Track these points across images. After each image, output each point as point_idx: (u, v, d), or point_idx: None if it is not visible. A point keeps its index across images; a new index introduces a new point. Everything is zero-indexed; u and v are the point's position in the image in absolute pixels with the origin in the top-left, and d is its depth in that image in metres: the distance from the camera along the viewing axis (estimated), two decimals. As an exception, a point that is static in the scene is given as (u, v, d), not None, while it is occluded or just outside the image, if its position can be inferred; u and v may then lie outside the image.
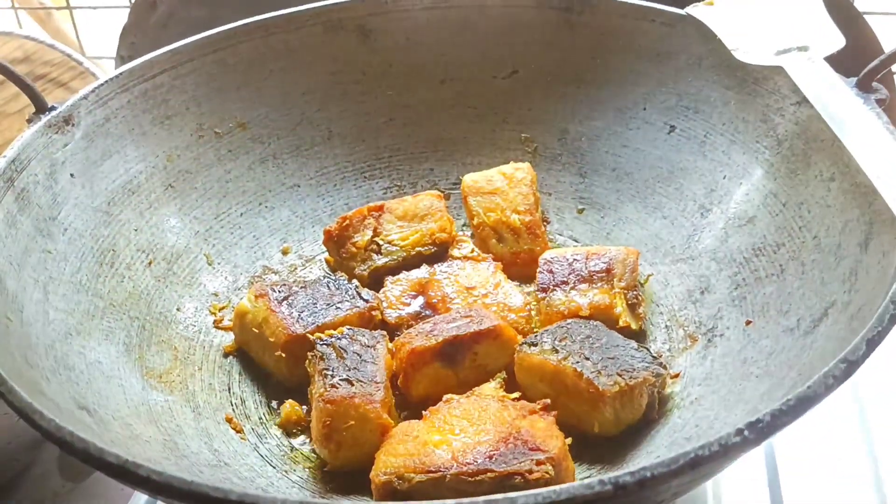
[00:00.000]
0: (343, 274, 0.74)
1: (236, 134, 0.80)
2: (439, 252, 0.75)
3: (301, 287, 0.70)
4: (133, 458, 0.38)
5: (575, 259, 0.70)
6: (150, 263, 0.71)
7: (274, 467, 0.60)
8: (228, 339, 0.71)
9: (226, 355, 0.70)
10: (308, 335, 0.65)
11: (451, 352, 0.63)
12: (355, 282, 0.72)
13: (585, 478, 0.55)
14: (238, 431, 0.63)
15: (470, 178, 0.78)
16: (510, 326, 0.65)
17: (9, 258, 0.58)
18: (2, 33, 1.11)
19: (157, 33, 1.03)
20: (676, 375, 0.63)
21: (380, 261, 0.74)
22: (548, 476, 0.52)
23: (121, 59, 1.04)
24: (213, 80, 0.79)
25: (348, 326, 0.66)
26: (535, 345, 0.62)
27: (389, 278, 0.73)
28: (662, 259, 0.73)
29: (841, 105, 0.58)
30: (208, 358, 0.69)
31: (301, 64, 0.83)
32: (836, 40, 0.65)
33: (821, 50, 0.64)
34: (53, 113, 0.67)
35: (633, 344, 0.63)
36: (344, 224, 0.75)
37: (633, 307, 0.68)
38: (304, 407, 0.64)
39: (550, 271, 0.70)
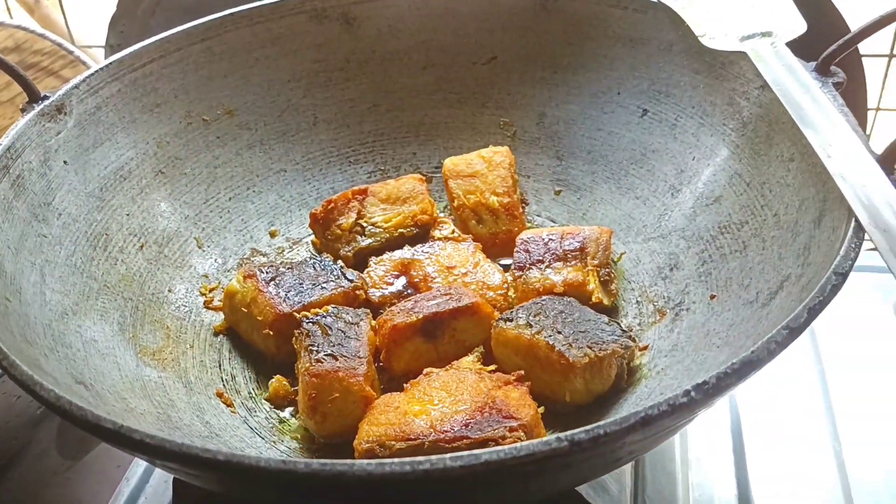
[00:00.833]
0: (329, 255, 0.77)
1: (224, 121, 0.83)
2: (421, 233, 0.78)
3: (288, 268, 0.73)
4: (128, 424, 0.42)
5: (550, 239, 0.73)
6: (141, 247, 0.73)
7: (263, 438, 0.63)
8: (218, 318, 0.74)
9: (216, 334, 0.72)
10: (295, 314, 0.68)
11: (431, 328, 0.66)
12: (340, 262, 0.74)
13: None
14: (228, 405, 0.66)
15: (450, 162, 0.81)
16: (487, 303, 0.68)
17: (6, 242, 0.60)
18: (-8, 23, 1.13)
19: (146, 21, 1.05)
20: (645, 348, 0.66)
21: (364, 242, 0.77)
22: (520, 441, 0.55)
23: (110, 47, 1.06)
24: (200, 69, 0.81)
25: (333, 305, 0.69)
26: (511, 320, 0.65)
27: (373, 259, 0.76)
28: (635, 238, 0.76)
29: (798, 89, 0.61)
30: (199, 337, 0.72)
31: (286, 52, 0.85)
32: (799, 26, 0.68)
33: (783, 35, 0.67)
34: (46, 102, 0.70)
35: (605, 318, 0.66)
36: (329, 207, 0.78)
37: (605, 284, 0.71)
38: (292, 382, 0.67)
39: (527, 250, 0.73)
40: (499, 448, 0.37)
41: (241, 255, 0.80)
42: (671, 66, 0.77)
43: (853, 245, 0.48)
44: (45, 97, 0.70)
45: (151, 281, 0.72)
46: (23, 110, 0.69)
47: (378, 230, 0.78)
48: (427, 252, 0.76)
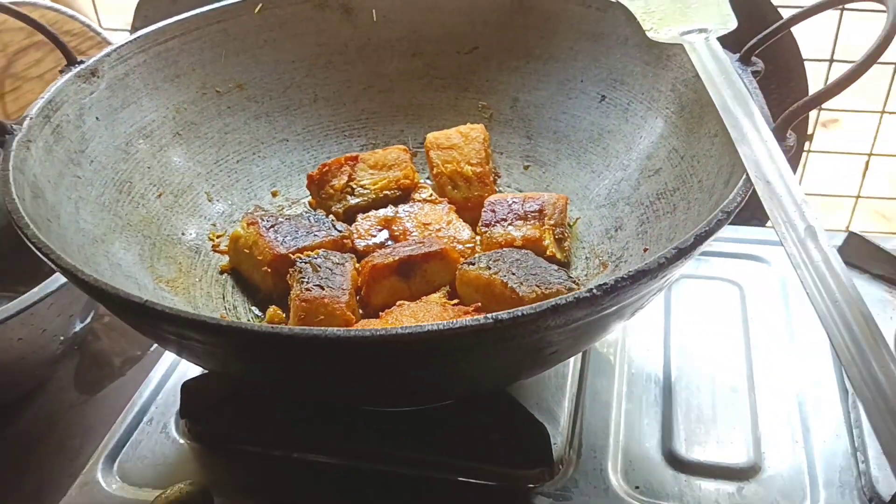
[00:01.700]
0: (322, 211, 0.88)
1: (235, 93, 0.94)
2: (403, 196, 0.89)
3: (286, 218, 0.84)
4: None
5: (514, 202, 0.84)
6: (159, 195, 0.85)
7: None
8: (224, 260, 0.85)
9: (221, 272, 0.83)
10: (290, 255, 0.79)
11: (406, 269, 0.77)
12: (332, 217, 0.86)
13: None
14: (229, 328, 0.77)
15: (432, 136, 0.92)
16: (455, 251, 0.79)
17: (47, 177, 0.72)
18: (27, 3, 1.24)
19: (168, 8, 1.16)
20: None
21: (353, 201, 0.88)
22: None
23: (135, 31, 1.18)
24: (216, 47, 0.93)
25: (323, 249, 0.80)
26: (473, 264, 0.76)
27: (360, 215, 0.87)
28: (589, 205, 0.87)
29: (720, 75, 0.72)
30: (207, 274, 0.83)
31: (292, 36, 0.96)
32: (730, 23, 0.79)
33: (716, 31, 0.78)
34: (82, 66, 0.81)
35: (555, 267, 0.77)
36: (324, 170, 0.89)
37: (559, 241, 0.82)
38: (285, 312, 0.78)
39: (493, 210, 0.84)
40: (440, 323, 0.48)
41: (245, 211, 0.90)
42: (626, 58, 0.88)
43: (741, 192, 0.59)
44: (81, 62, 0.81)
45: (167, 224, 0.83)
46: (61, 72, 0.80)
47: (366, 191, 0.89)
48: (407, 211, 0.87)
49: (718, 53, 0.75)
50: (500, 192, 0.92)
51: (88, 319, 1.08)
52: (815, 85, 1.08)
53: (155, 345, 0.92)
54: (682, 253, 0.54)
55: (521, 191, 0.93)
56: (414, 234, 0.84)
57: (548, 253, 0.80)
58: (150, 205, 0.83)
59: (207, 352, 0.55)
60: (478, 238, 0.84)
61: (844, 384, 0.77)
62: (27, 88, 1.32)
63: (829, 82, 0.64)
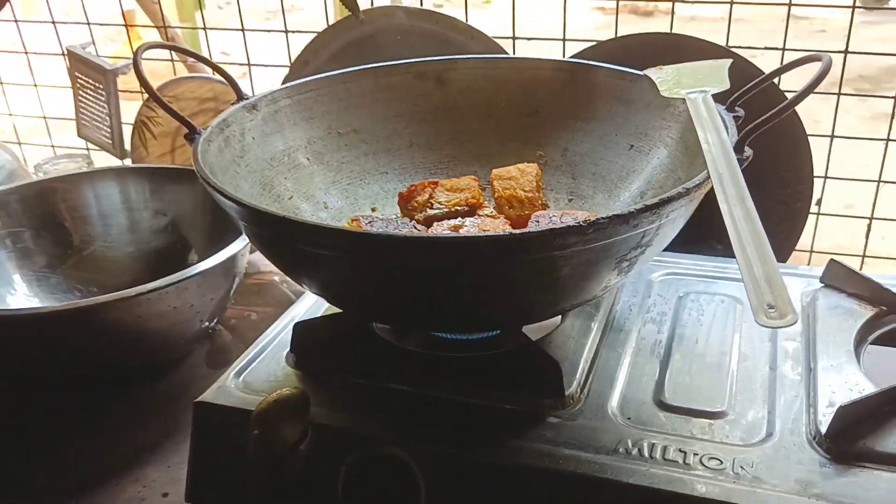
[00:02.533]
0: (407, 219, 1.15)
1: (351, 135, 1.24)
2: (470, 211, 1.15)
3: (381, 219, 1.11)
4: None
5: (553, 216, 1.09)
6: (290, 198, 1.14)
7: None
8: (331, 249, 1.12)
9: (329, 257, 1.11)
10: (380, 241, 1.06)
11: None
12: (414, 222, 1.13)
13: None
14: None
15: (496, 171, 1.18)
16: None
17: (218, 166, 1.01)
18: (202, 77, 1.63)
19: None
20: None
21: (431, 212, 1.15)
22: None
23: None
24: (340, 101, 1.23)
25: (403, 231, 1.07)
26: (516, 249, 1.00)
27: (436, 223, 1.13)
28: (614, 225, 1.11)
29: (707, 116, 0.96)
30: (318, 256, 1.10)
31: (396, 96, 1.27)
32: (724, 84, 1.04)
33: (712, 90, 1.04)
34: (247, 101, 1.13)
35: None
36: (412, 189, 1.17)
37: (587, 245, 1.06)
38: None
39: (537, 222, 1.08)
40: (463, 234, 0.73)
41: (350, 218, 1.19)
42: (649, 116, 1.14)
43: (700, 180, 0.83)
44: (246, 97, 1.14)
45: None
46: (232, 104, 1.13)
47: (442, 205, 1.15)
48: (472, 221, 1.13)
49: (710, 103, 1.00)
50: (547, 216, 1.17)
51: (226, 308, 1.37)
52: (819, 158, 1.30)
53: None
54: (647, 208, 0.77)
55: (564, 217, 1.18)
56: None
57: (576, 252, 1.04)
58: (283, 203, 1.12)
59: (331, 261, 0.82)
60: (525, 244, 1.09)
61: (809, 364, 0.96)
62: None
63: (775, 109, 0.87)
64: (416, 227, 1.10)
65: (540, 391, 0.92)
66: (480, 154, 1.27)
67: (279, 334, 1.08)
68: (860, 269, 1.33)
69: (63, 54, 1.65)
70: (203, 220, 1.48)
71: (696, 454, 0.83)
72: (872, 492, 0.78)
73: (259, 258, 1.59)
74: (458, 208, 1.16)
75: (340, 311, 1.02)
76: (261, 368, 1.01)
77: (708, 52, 1.31)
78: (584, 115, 1.22)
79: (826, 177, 1.34)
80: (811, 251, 1.44)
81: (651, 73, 1.15)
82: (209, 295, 1.27)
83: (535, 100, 1.25)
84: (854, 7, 1.31)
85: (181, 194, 1.50)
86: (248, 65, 1.66)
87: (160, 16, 1.96)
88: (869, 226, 1.29)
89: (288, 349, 1.03)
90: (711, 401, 0.91)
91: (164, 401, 1.27)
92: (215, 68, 1.15)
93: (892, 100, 1.31)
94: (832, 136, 1.27)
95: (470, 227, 1.11)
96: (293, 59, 1.50)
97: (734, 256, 0.74)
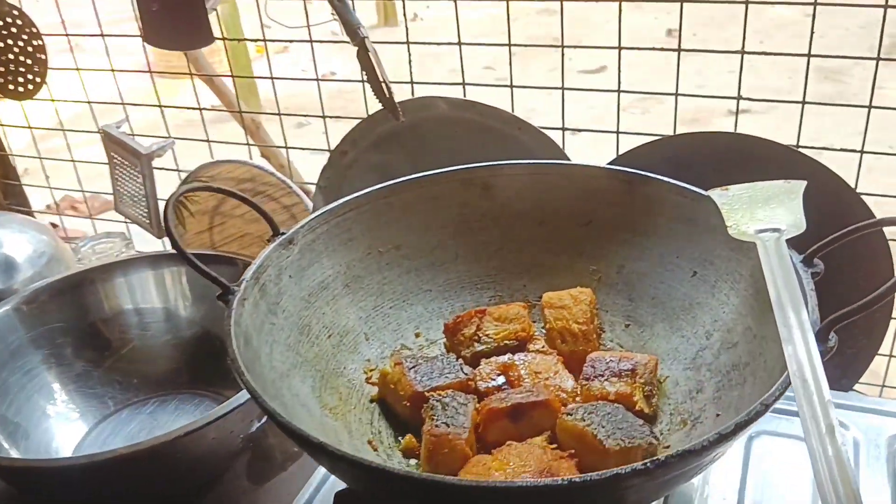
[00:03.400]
0: (453, 354, 1.09)
1: (392, 253, 1.17)
2: (520, 345, 1.08)
3: (425, 360, 1.05)
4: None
5: (611, 360, 1.01)
6: (329, 336, 1.08)
7: (395, 474, 0.94)
8: (374, 391, 1.06)
9: (371, 401, 1.05)
10: (426, 393, 0.99)
11: (516, 414, 0.95)
12: (461, 360, 1.06)
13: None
14: (375, 450, 0.97)
15: (547, 296, 1.11)
16: (558, 400, 0.97)
17: (253, 326, 0.96)
18: (238, 161, 1.57)
19: (345, 171, 1.44)
20: (667, 446, 0.92)
21: (479, 347, 1.08)
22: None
23: (319, 187, 1.46)
24: (381, 216, 1.16)
25: (452, 390, 1.00)
26: (571, 414, 0.93)
27: (484, 360, 1.06)
28: (677, 366, 1.02)
29: (781, 274, 0.87)
30: (360, 402, 1.04)
31: (441, 206, 1.19)
32: (801, 226, 0.94)
33: (788, 232, 0.94)
34: (283, 237, 1.07)
35: (640, 422, 0.92)
36: (457, 321, 1.10)
37: (648, 397, 0.98)
38: (419, 440, 0.98)
39: (593, 367, 1.01)
40: (534, 480, 0.66)
41: (394, 348, 1.12)
42: (714, 242, 1.04)
43: (781, 387, 0.74)
44: (283, 233, 1.07)
45: (333, 360, 1.06)
46: (268, 241, 1.07)
47: (490, 340, 1.08)
48: (522, 359, 1.05)
49: (783, 252, 0.90)
50: (603, 346, 1.09)
51: (262, 421, 1.32)
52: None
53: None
54: (722, 438, 0.69)
55: (621, 346, 1.10)
56: (526, 380, 1.02)
57: (636, 408, 0.96)
58: (322, 344, 1.06)
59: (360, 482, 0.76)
60: (578, 387, 1.01)
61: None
62: (230, 224, 1.64)
63: (870, 296, 0.78)
64: (462, 369, 1.04)
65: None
66: (531, 265, 1.19)
67: (315, 496, 1.03)
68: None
69: (98, 131, 1.61)
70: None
71: None
72: None
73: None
74: (508, 342, 1.08)
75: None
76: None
77: (777, 157, 1.20)
78: (641, 230, 1.13)
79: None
80: (890, 355, 1.33)
81: (715, 194, 1.05)
82: (250, 417, 1.23)
83: (588, 207, 1.17)
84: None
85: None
86: (287, 147, 1.60)
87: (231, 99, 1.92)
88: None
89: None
90: None
91: (211, 525, 1.23)
92: (254, 207, 1.08)
93: None
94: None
95: (521, 367, 1.04)
96: (331, 146, 1.43)
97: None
